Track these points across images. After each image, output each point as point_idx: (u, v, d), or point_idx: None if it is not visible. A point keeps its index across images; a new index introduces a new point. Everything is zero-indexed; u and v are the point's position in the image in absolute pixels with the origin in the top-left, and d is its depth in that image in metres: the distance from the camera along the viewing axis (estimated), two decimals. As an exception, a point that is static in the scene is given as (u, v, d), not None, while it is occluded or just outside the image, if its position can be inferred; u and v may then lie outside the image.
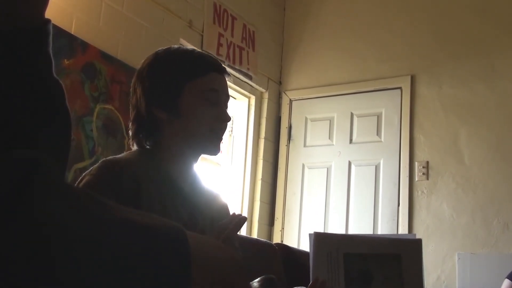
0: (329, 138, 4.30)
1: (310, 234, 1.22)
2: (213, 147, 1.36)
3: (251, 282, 1.11)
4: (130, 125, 1.38)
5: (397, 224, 3.87)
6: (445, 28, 4.03)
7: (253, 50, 4.26)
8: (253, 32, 4.29)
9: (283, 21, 4.68)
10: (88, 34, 2.92)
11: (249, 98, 4.36)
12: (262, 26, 4.40)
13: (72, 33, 2.83)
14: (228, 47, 3.98)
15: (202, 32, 3.77)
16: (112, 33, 3.08)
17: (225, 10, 4.00)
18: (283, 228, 4.26)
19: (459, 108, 3.87)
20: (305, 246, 3.74)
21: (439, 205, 3.79)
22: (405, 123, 4.01)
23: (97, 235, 0.59)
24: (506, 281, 2.84)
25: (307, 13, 4.57)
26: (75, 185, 1.25)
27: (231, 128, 4.29)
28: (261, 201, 4.26)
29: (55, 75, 0.68)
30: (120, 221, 0.62)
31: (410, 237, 1.30)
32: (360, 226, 3.98)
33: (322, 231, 4.01)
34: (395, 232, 3.86)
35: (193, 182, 1.39)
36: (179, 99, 1.33)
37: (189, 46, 3.49)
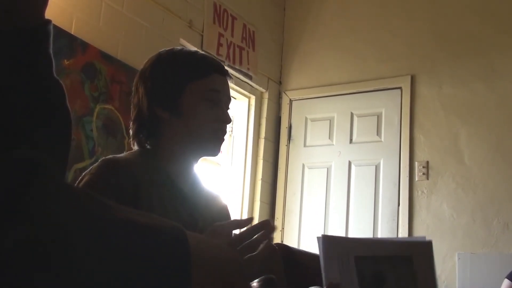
0: (329, 138, 4.30)
1: (318, 238, 1.22)
2: (213, 148, 1.36)
3: (251, 282, 1.11)
4: (131, 124, 1.38)
5: (397, 224, 3.87)
6: (445, 28, 4.03)
7: (253, 50, 4.26)
8: (253, 32, 4.29)
9: (283, 21, 4.68)
10: (88, 34, 2.92)
11: (249, 98, 4.36)
12: (262, 26, 4.40)
13: (72, 33, 2.83)
14: (228, 47, 3.98)
15: (202, 32, 3.77)
16: (112, 33, 3.08)
17: (225, 10, 4.00)
18: (283, 228, 4.26)
19: (459, 108, 3.87)
20: (305, 246, 3.74)
21: (439, 205, 3.79)
22: (405, 123, 4.01)
23: (97, 235, 0.59)
24: (506, 281, 2.84)
25: (307, 13, 4.57)
26: (75, 184, 1.25)
27: (231, 128, 4.29)
28: (261, 201, 4.26)
29: (55, 75, 0.68)
30: (120, 221, 0.63)
31: (420, 239, 1.30)
32: (360, 226, 3.98)
33: (322, 231, 4.02)
34: (395, 233, 3.86)
35: (193, 183, 1.40)
36: (181, 99, 1.33)
37: (189, 46, 3.50)
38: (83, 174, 1.25)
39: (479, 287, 3.52)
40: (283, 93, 4.55)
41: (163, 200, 1.28)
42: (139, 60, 3.28)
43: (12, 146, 0.60)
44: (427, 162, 3.88)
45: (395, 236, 3.86)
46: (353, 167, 4.16)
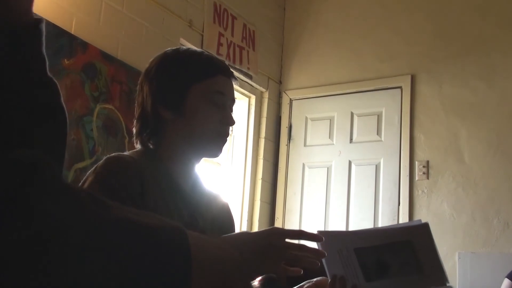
0: (329, 138, 4.30)
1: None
2: (215, 149, 1.37)
3: (251, 281, 1.11)
4: (134, 123, 1.38)
5: (397, 223, 3.87)
6: (445, 27, 4.03)
7: (253, 49, 4.26)
8: (253, 31, 4.29)
9: (283, 20, 4.68)
10: (88, 34, 2.92)
11: (249, 97, 4.37)
12: (262, 26, 4.40)
13: (72, 33, 2.83)
14: (228, 47, 3.98)
15: (202, 31, 3.77)
16: (112, 33, 3.08)
17: (225, 10, 4.00)
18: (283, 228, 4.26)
19: (459, 107, 3.87)
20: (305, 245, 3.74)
21: (439, 204, 3.79)
22: (405, 123, 4.01)
23: (96, 234, 0.59)
24: (506, 281, 2.84)
25: (307, 13, 4.57)
26: (80, 184, 1.24)
27: (231, 128, 4.29)
28: (261, 200, 4.26)
29: (49, 73, 0.68)
30: (121, 221, 0.63)
31: (416, 223, 1.30)
32: (360, 226, 3.98)
33: (323, 230, 4.01)
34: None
35: (194, 183, 1.40)
36: (185, 99, 1.33)
37: (189, 46, 3.49)
38: (88, 173, 1.25)
39: (479, 287, 3.52)
40: (283, 92, 4.55)
41: (165, 200, 1.29)
42: (139, 60, 3.28)
43: (8, 144, 0.59)
44: (427, 161, 3.88)
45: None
46: (353, 166, 4.16)
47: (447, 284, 1.23)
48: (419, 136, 3.96)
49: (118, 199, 0.98)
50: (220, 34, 3.93)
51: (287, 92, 4.54)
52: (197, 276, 0.65)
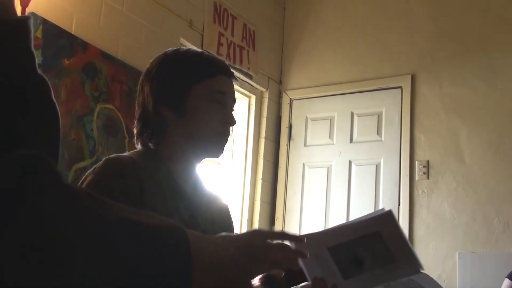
0: (330, 138, 4.30)
1: None
2: (216, 149, 1.37)
3: (252, 280, 1.11)
4: (135, 123, 1.38)
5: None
6: (445, 27, 4.03)
7: (253, 49, 4.26)
8: (253, 31, 4.29)
9: (283, 20, 4.68)
10: (88, 34, 2.92)
11: (249, 97, 4.37)
12: (262, 26, 4.40)
13: (72, 33, 2.83)
14: (229, 47, 3.98)
15: (202, 31, 3.77)
16: (112, 32, 3.08)
17: (225, 10, 4.00)
18: (283, 228, 4.26)
19: (460, 107, 3.87)
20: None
21: (439, 204, 3.79)
22: (406, 122, 4.01)
23: (96, 234, 0.59)
24: (506, 281, 2.84)
25: (307, 13, 4.57)
26: (78, 184, 1.24)
27: (232, 128, 4.29)
28: (261, 200, 4.26)
29: (39, 71, 0.67)
30: (121, 221, 0.62)
31: (380, 212, 1.29)
32: (360, 226, 3.98)
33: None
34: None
35: (195, 184, 1.40)
36: (187, 99, 1.33)
37: (190, 46, 3.49)
38: (87, 173, 1.25)
39: (479, 286, 3.52)
40: (283, 92, 4.55)
41: (166, 200, 1.29)
42: (139, 59, 3.28)
43: (2, 144, 0.59)
44: (428, 161, 3.88)
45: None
46: (353, 166, 4.16)
47: (422, 271, 1.22)
48: (419, 136, 3.95)
49: (116, 201, 0.98)
50: (220, 34, 3.93)
51: (287, 92, 4.54)
52: (197, 275, 0.65)
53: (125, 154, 1.36)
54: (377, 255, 1.20)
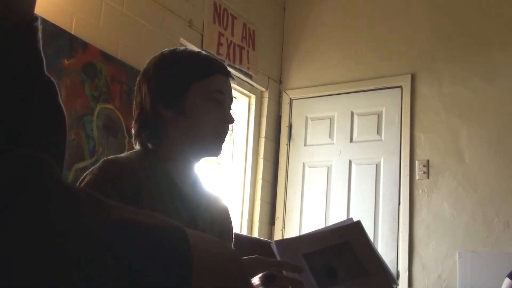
0: (330, 137, 4.30)
1: (272, 244, 1.23)
2: (214, 148, 1.37)
3: (252, 279, 1.11)
4: (133, 123, 1.38)
5: (397, 223, 3.87)
6: (445, 27, 4.03)
7: (253, 49, 4.26)
8: (253, 31, 4.29)
9: (283, 20, 4.68)
10: (88, 34, 2.92)
11: (249, 97, 4.37)
12: (262, 26, 4.40)
13: (72, 33, 2.83)
14: (228, 47, 3.98)
15: (202, 31, 3.77)
16: (112, 32, 3.08)
17: (225, 10, 4.00)
18: (284, 227, 4.26)
19: (460, 107, 3.87)
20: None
21: (439, 203, 3.79)
22: (406, 122, 4.01)
23: (95, 234, 0.59)
24: (507, 280, 2.84)
25: (307, 12, 4.58)
26: (76, 184, 1.24)
27: (231, 128, 4.29)
28: (261, 200, 4.26)
29: (47, 72, 0.67)
30: (120, 221, 0.63)
31: (349, 222, 1.27)
32: (360, 225, 3.98)
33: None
34: (396, 231, 3.87)
35: (193, 183, 1.40)
36: (185, 98, 1.33)
37: (189, 46, 3.50)
38: (85, 174, 1.25)
39: (480, 286, 3.52)
40: (283, 92, 4.55)
41: (164, 200, 1.28)
42: (139, 59, 3.28)
43: (7, 145, 0.59)
44: (428, 160, 3.88)
45: (395, 235, 3.86)
46: (353, 166, 4.16)
47: (394, 287, 1.20)
48: (419, 136, 3.96)
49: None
50: (220, 34, 3.93)
51: (287, 91, 4.54)
52: (198, 275, 0.65)
53: (123, 154, 1.36)
54: (349, 266, 1.18)
